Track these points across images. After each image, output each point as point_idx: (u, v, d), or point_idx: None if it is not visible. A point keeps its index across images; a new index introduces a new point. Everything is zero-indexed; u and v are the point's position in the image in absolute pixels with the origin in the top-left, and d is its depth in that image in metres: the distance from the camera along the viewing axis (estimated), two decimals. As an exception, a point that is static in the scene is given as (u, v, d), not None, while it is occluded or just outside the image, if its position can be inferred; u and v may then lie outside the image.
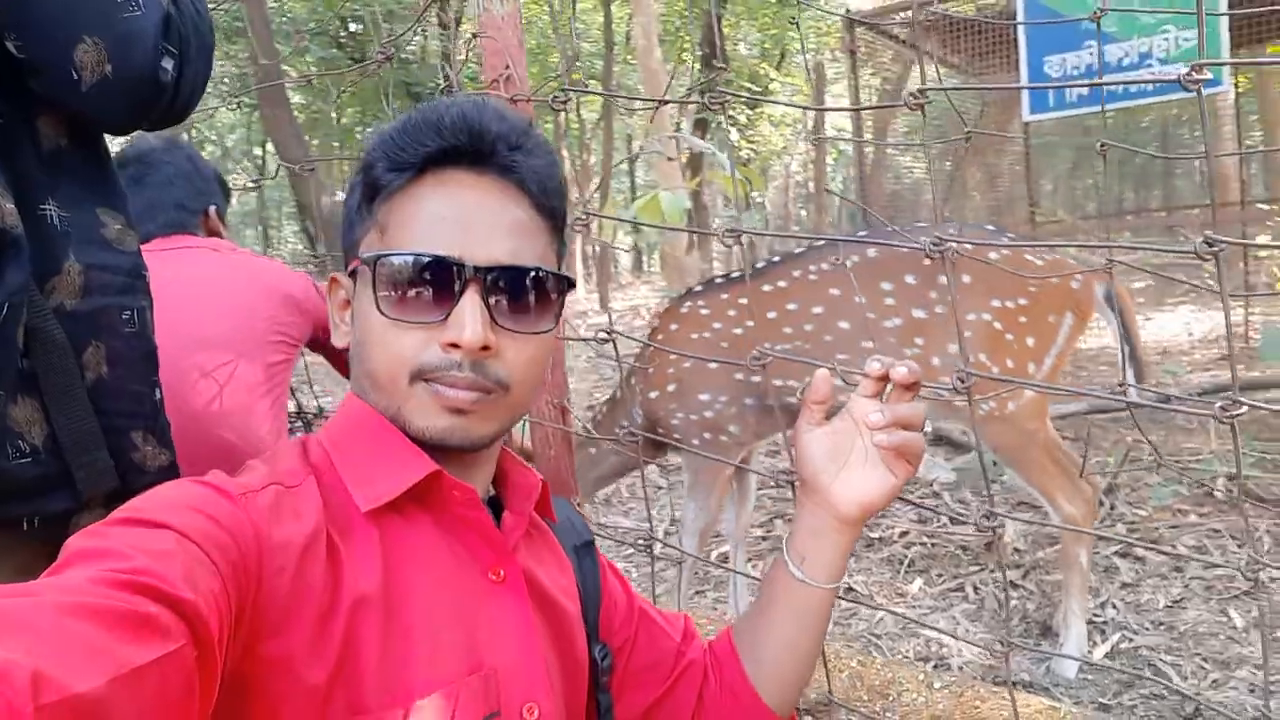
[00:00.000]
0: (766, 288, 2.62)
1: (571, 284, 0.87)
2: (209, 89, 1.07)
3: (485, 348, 0.77)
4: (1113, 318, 2.48)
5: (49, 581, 0.55)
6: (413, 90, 11.38)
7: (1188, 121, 12.13)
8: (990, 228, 2.57)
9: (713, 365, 2.61)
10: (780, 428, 2.72)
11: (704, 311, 2.70)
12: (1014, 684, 2.63)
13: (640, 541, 1.61)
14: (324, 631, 0.69)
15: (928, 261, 2.40)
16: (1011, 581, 3.17)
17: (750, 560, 3.59)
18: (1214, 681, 2.55)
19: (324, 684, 0.68)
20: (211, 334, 1.56)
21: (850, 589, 3.30)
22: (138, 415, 0.98)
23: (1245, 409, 1.08)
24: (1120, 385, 1.33)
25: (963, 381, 1.07)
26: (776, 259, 2.72)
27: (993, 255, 2.34)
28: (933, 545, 3.55)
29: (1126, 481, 3.91)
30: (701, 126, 10.60)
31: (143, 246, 1.03)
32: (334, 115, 14.17)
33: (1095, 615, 2.92)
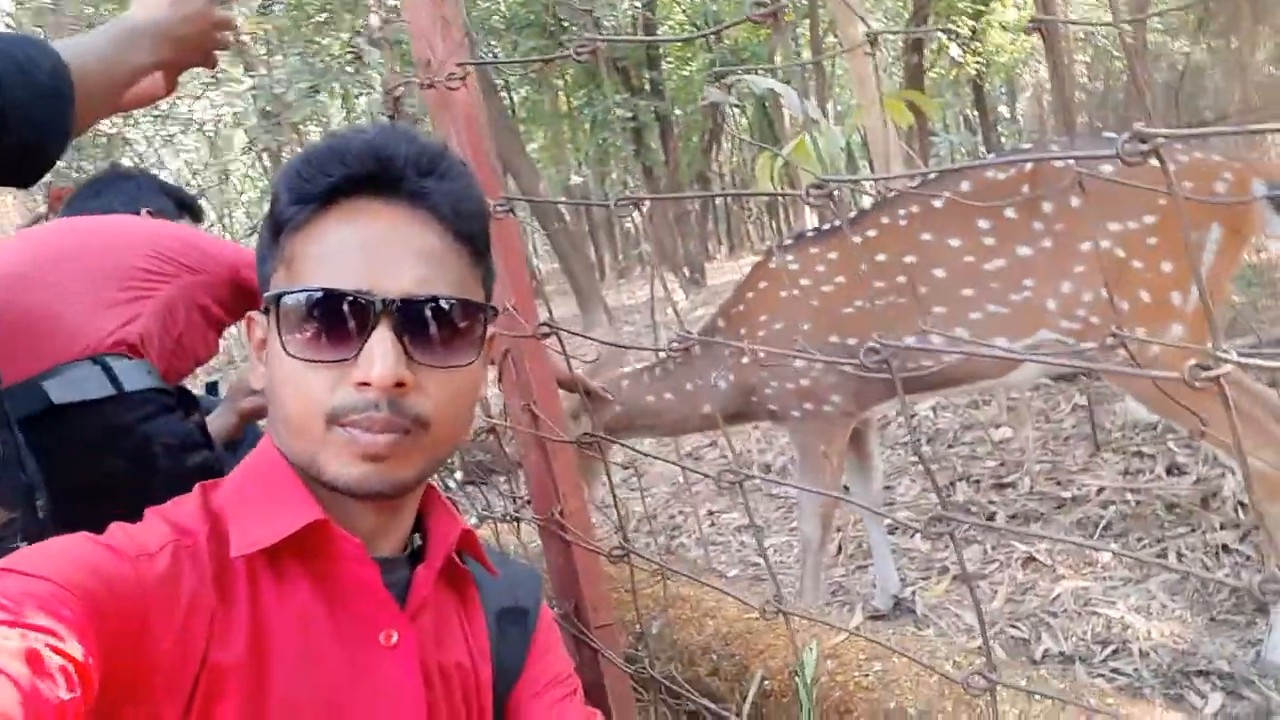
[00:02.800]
0: (855, 239, 2.35)
1: (494, 312, 0.83)
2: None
3: (400, 384, 0.74)
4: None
5: None
6: (619, 65, 11.50)
7: None
8: (1111, 135, 2.11)
9: (805, 326, 2.38)
10: (888, 396, 2.43)
11: (793, 267, 2.47)
12: (1208, 674, 2.20)
13: (615, 550, 1.50)
14: (186, 698, 0.69)
15: (1026, 188, 2.05)
16: (1223, 545, 2.64)
17: (914, 531, 3.28)
18: None
19: None
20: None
21: (1030, 558, 2.92)
22: None
23: (1230, 367, 0.81)
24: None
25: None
26: (867, 206, 2.42)
27: (1106, 168, 1.91)
28: (1136, 504, 3.05)
29: None
30: (916, 48, 9.79)
31: None
32: (563, 99, 14.68)
33: (1334, 585, 2.37)
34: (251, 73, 9.64)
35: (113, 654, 0.61)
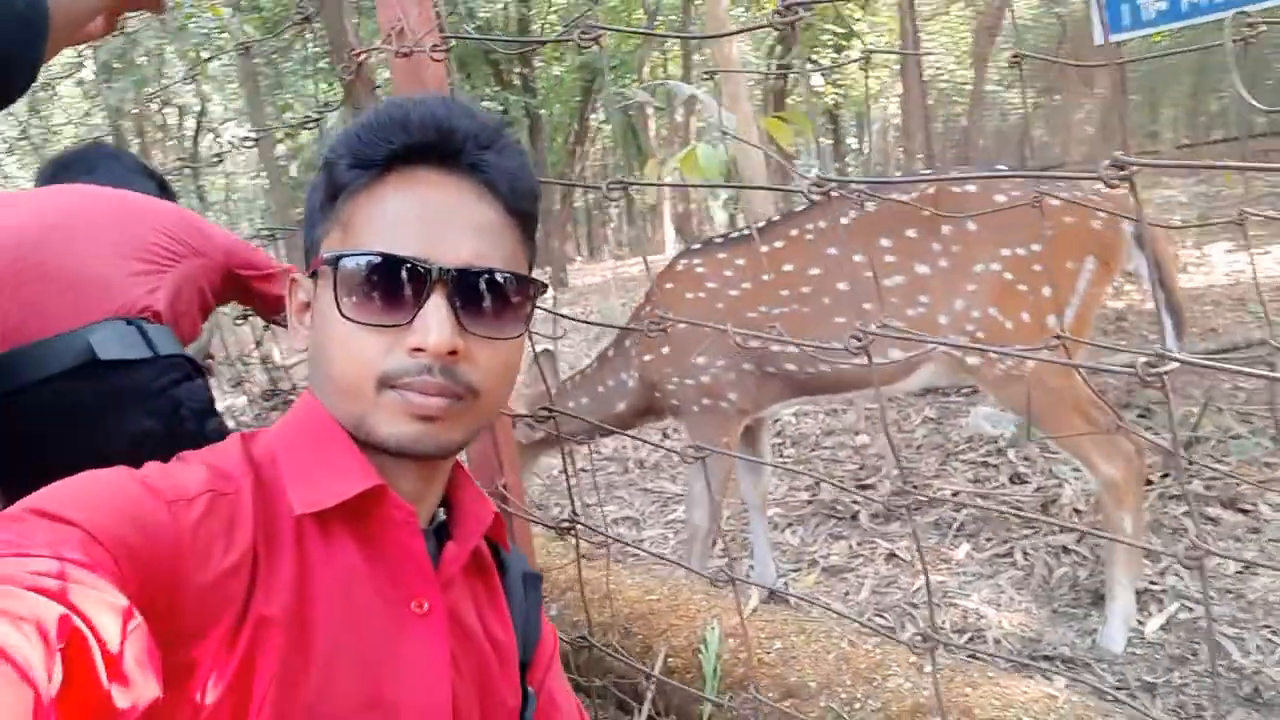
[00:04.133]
0: (763, 248, 2.48)
1: (543, 287, 0.84)
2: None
3: (453, 352, 0.75)
4: (1142, 261, 2.23)
5: None
6: (491, 58, 11.40)
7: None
8: (1002, 167, 2.34)
9: (707, 328, 2.49)
10: (783, 396, 2.58)
11: (700, 270, 2.58)
12: (1051, 658, 2.46)
13: (564, 522, 1.56)
14: (229, 646, 0.68)
15: (927, 212, 2.23)
16: (1064, 546, 2.95)
17: (790, 525, 3.47)
18: (1282, 657, 2.31)
19: (213, 706, 0.67)
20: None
21: (892, 554, 3.15)
22: None
23: (1174, 365, 0.95)
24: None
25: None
26: (776, 217, 2.56)
27: (999, 198, 2.12)
28: (985, 508, 3.34)
29: (1213, 433, 3.58)
30: (782, 73, 10.22)
31: None
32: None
33: (1153, 583, 2.69)
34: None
35: (142, 601, 0.60)
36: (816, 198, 1.02)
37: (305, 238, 0.85)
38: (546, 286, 0.87)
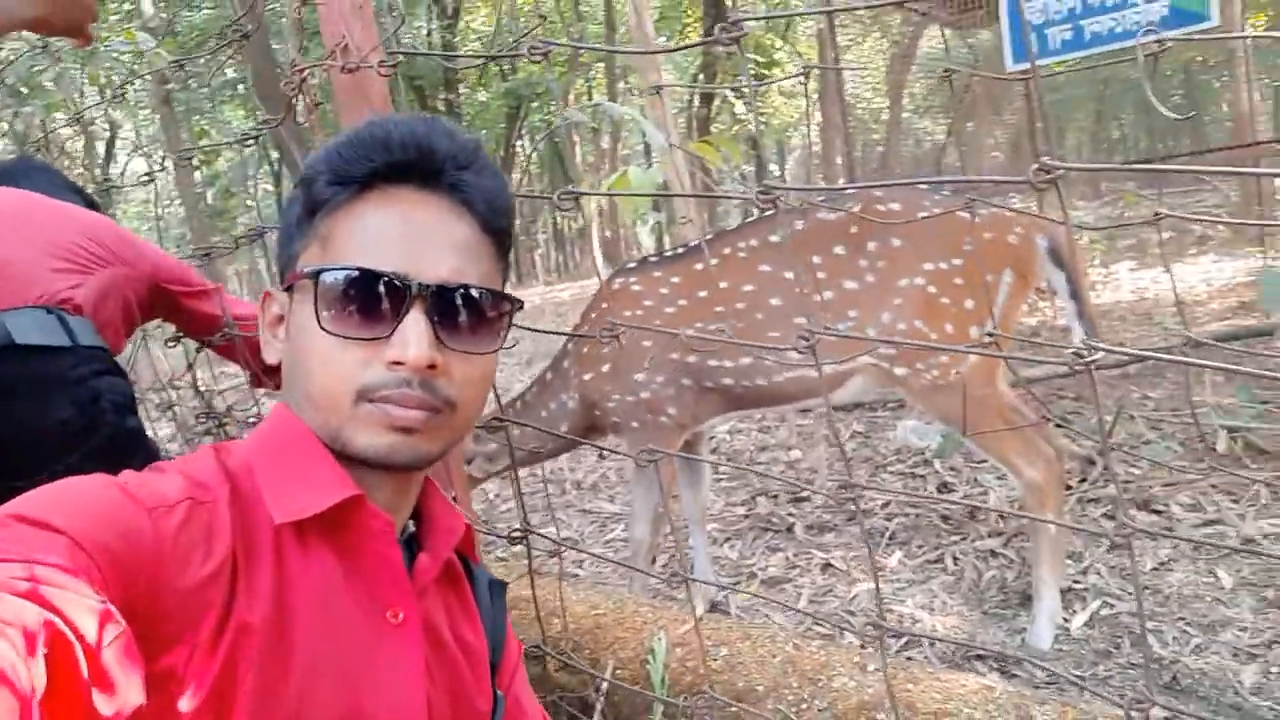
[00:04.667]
0: (698, 265, 2.54)
1: (518, 304, 0.86)
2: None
3: (432, 366, 0.76)
4: (1056, 274, 2.35)
5: None
6: (415, 84, 11.36)
7: (1215, 66, 11.69)
8: (924, 187, 2.44)
9: (646, 344, 2.54)
10: (721, 410, 2.64)
11: (636, 288, 2.63)
12: (983, 658, 2.54)
13: (515, 532, 1.57)
14: (209, 653, 0.68)
15: (854, 230, 2.32)
16: (991, 550, 3.06)
17: (728, 539, 3.52)
18: (1196, 647, 2.43)
19: (193, 714, 0.66)
20: None
21: (828, 564, 3.22)
22: None
23: (1101, 354, 1.00)
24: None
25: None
26: (709, 235, 2.63)
27: (922, 215, 2.22)
28: (916, 516, 3.44)
29: (1126, 440, 3.75)
30: (706, 100, 10.44)
31: None
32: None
33: (1076, 582, 2.81)
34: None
35: (124, 607, 0.61)
36: (764, 205, 1.07)
37: (280, 253, 0.86)
38: (522, 304, 0.89)
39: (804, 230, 2.40)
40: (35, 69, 7.98)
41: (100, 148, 15.41)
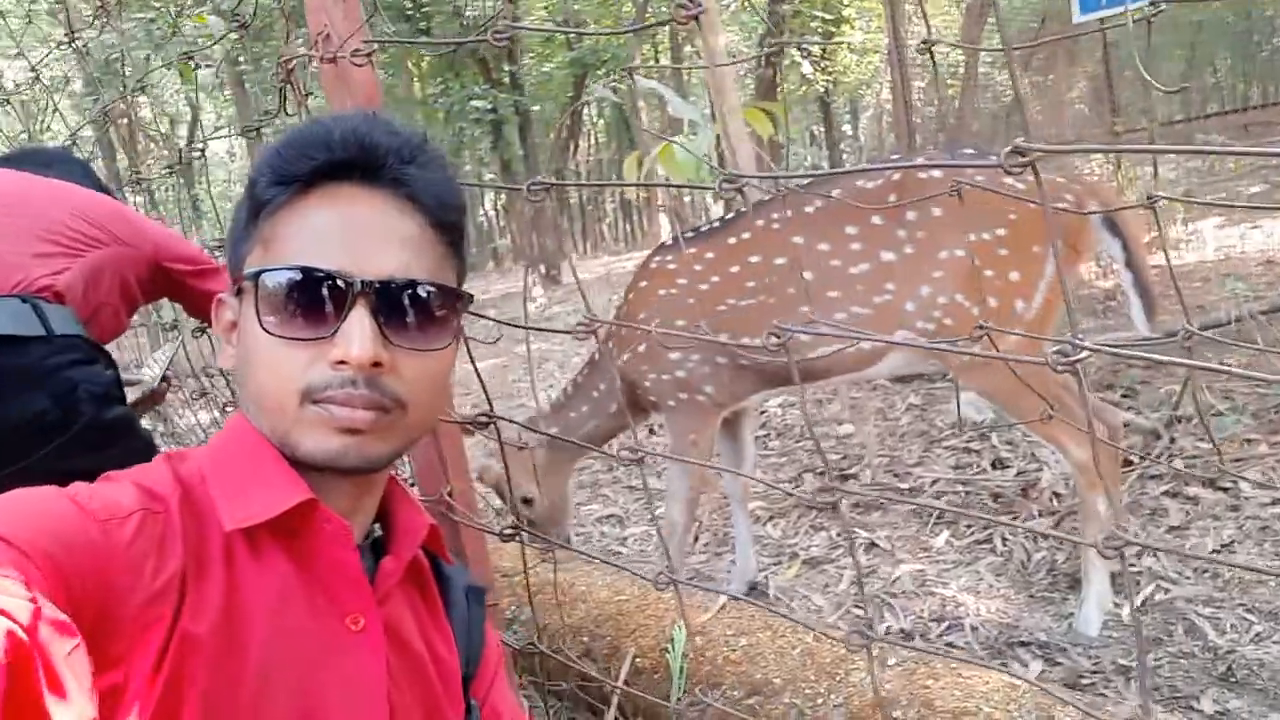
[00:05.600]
0: (730, 240, 2.48)
1: (469, 299, 0.85)
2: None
3: (377, 364, 0.75)
4: (1113, 242, 2.22)
5: None
6: (478, 56, 11.38)
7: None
8: (970, 150, 2.32)
9: (680, 322, 2.49)
10: (759, 388, 2.58)
11: (671, 266, 2.58)
12: (1028, 644, 2.45)
13: (507, 530, 1.55)
14: (155, 669, 0.68)
15: (893, 198, 2.23)
16: (1041, 531, 2.94)
17: (772, 518, 3.47)
18: (1256, 635, 2.30)
19: None
20: None
21: (872, 544, 3.15)
22: None
23: (1087, 354, 0.94)
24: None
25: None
26: (744, 209, 2.56)
27: (979, 179, 2.10)
28: (966, 494, 3.34)
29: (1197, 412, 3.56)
30: (770, 63, 10.20)
31: None
32: (416, 89, 14.38)
33: (1130, 564, 2.68)
34: (79, 35, 8.99)
35: (75, 619, 0.60)
36: (727, 193, 1.03)
37: (229, 257, 0.85)
38: (473, 298, 0.87)
39: (840, 200, 2.31)
40: (113, 56, 8.22)
41: (183, 130, 15.88)
